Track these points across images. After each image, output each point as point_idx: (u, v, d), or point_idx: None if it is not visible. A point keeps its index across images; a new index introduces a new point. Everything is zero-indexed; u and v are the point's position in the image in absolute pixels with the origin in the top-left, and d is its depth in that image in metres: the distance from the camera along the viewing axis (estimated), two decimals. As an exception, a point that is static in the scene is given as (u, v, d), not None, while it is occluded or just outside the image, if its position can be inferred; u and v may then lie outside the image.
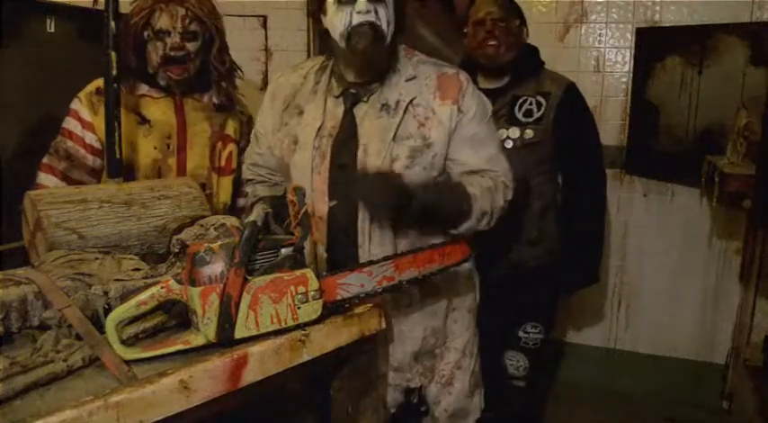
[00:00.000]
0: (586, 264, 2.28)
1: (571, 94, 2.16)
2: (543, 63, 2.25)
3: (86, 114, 1.72)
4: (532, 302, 2.23)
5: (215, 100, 1.85)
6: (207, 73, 1.82)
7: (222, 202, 1.88)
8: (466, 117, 1.48)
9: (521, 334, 2.24)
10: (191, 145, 1.81)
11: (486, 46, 2.11)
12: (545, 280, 2.22)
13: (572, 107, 2.15)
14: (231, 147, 1.88)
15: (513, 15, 2.15)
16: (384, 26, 1.39)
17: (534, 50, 2.26)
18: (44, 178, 1.72)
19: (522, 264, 2.18)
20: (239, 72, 1.90)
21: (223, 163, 1.87)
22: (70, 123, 1.73)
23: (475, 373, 1.66)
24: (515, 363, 2.27)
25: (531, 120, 2.13)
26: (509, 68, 2.17)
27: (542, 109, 2.12)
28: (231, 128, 1.89)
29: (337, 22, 1.39)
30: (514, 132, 2.12)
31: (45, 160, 1.73)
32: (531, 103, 2.14)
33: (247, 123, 1.93)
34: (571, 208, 2.22)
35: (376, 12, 1.37)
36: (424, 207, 1.36)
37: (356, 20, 1.36)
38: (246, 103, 2.01)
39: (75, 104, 1.74)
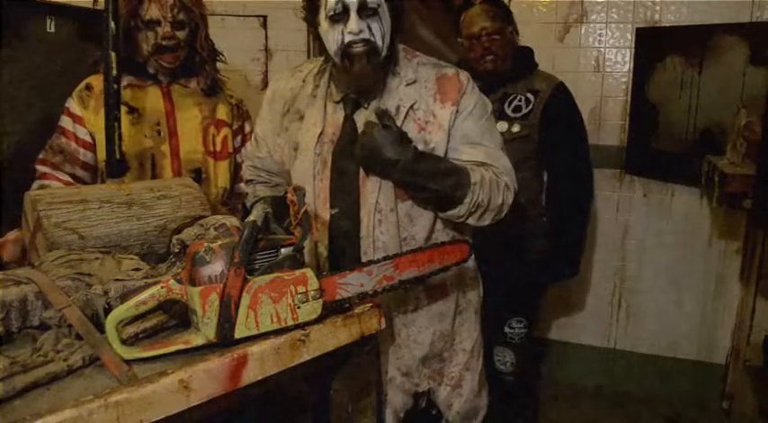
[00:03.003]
0: (568, 257, 2.33)
1: (559, 91, 2.23)
2: (537, 65, 2.32)
3: (77, 109, 1.77)
4: (516, 298, 2.29)
5: (202, 85, 1.87)
6: (192, 59, 1.85)
7: (220, 187, 1.90)
8: (462, 115, 1.45)
9: (506, 329, 2.32)
10: (182, 130, 1.83)
11: (485, 62, 2.19)
12: (526, 275, 2.28)
13: (559, 104, 2.22)
14: (225, 131, 1.90)
15: (505, 23, 2.20)
16: (379, 41, 1.35)
17: (529, 53, 2.33)
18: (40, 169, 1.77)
19: (503, 258, 2.19)
20: (221, 56, 1.94)
21: (219, 147, 1.89)
22: (64, 120, 1.79)
23: (482, 372, 1.67)
24: (502, 358, 2.34)
25: (519, 115, 2.21)
26: (504, 71, 2.24)
27: (531, 105, 2.20)
28: (223, 112, 1.91)
29: (331, 39, 1.36)
30: (502, 126, 2.19)
31: (41, 155, 1.79)
32: (520, 100, 2.23)
33: (237, 106, 1.95)
34: (555, 201, 2.29)
35: (369, 28, 1.34)
36: (412, 171, 1.34)
37: (348, 39, 1.33)
38: (243, 100, 2.02)
39: (68, 102, 1.79)
